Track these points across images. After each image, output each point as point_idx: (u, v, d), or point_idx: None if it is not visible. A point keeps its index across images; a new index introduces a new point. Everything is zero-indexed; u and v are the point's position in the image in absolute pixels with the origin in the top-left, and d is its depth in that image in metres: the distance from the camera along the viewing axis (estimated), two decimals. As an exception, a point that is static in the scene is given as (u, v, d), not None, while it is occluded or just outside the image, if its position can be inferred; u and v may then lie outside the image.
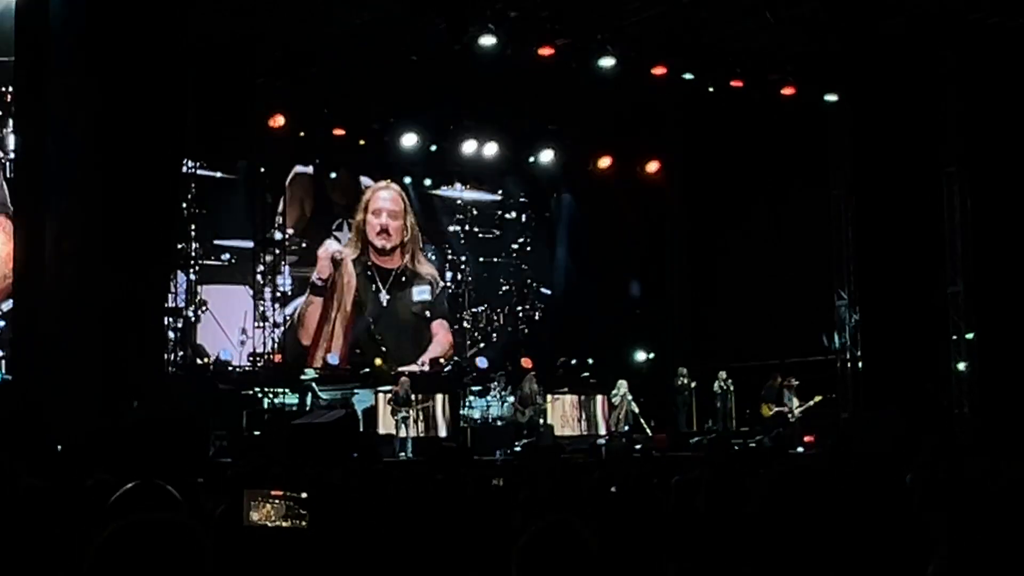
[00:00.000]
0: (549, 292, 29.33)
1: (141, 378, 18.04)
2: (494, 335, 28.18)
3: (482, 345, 28.06)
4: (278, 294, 25.03)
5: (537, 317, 29.14)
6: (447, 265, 28.36)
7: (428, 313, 27.72)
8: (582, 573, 3.21)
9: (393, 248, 27.32)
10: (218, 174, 24.67)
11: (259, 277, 24.72)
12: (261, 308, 24.38)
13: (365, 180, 27.23)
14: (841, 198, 25.57)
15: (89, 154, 17.42)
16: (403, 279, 27.44)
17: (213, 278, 24.68)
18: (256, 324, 23.99)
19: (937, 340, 24.05)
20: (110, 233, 17.22)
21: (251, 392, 22.70)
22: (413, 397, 22.80)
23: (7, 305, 20.70)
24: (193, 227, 23.64)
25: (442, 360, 26.96)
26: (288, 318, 25.48)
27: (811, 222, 26.85)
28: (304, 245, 26.59)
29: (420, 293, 27.60)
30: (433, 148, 26.77)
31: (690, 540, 6.11)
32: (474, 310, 28.20)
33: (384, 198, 27.17)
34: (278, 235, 25.39)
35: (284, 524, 2.68)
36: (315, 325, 26.32)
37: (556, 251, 29.52)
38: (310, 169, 26.54)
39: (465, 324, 28.06)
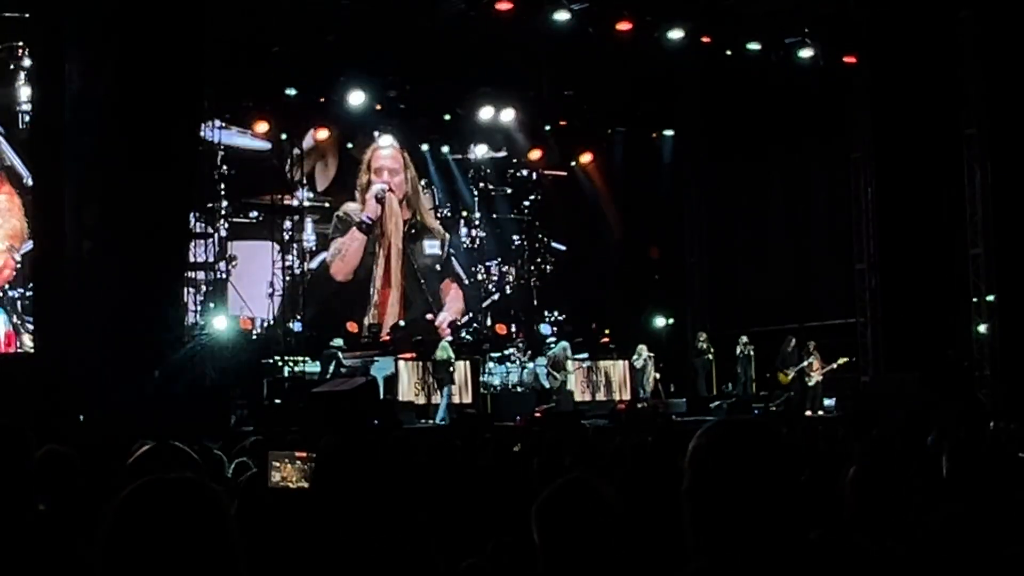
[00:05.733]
0: (564, 248, 29.43)
1: (162, 348, 18.13)
2: (507, 287, 28.31)
3: (496, 297, 28.21)
4: (305, 247, 25.83)
5: (548, 270, 29.19)
6: (461, 221, 28.62)
7: (439, 267, 28.13)
8: (602, 529, 3.20)
9: (399, 203, 27.66)
10: (247, 137, 25.12)
11: (285, 235, 25.45)
12: (288, 262, 25.09)
13: (384, 141, 27.47)
14: (860, 161, 25.44)
15: (106, 122, 17.44)
16: (413, 231, 27.89)
17: (242, 234, 25.31)
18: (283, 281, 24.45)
19: (958, 302, 23.96)
20: (129, 201, 17.27)
21: (271, 360, 22.79)
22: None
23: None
24: (223, 187, 24.22)
25: (458, 323, 27.13)
26: (309, 271, 26.11)
27: (830, 185, 26.77)
28: (327, 205, 27.13)
29: (431, 247, 28.07)
30: (448, 116, 26.77)
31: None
32: (487, 263, 28.37)
33: (384, 156, 27.49)
34: (301, 194, 25.70)
35: (306, 485, 2.69)
36: (357, 260, 27.04)
37: (573, 216, 29.58)
38: (329, 134, 26.68)
39: (479, 277, 28.28)
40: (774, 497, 2.66)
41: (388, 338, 25.70)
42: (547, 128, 28.11)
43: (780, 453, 2.72)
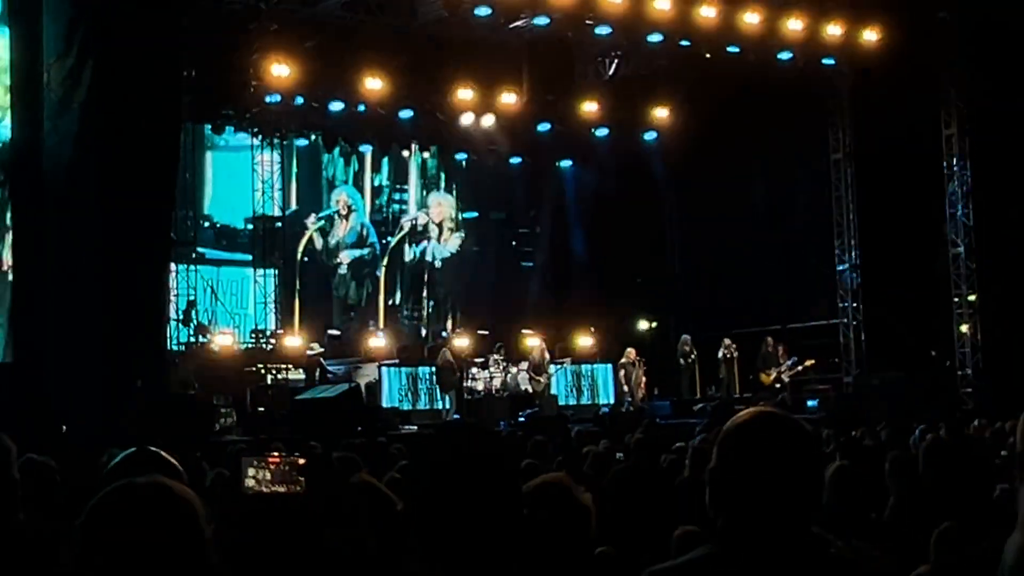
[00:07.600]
0: (531, 264, 29.82)
1: (143, 358, 18.08)
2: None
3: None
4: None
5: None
6: (444, 226, 29.02)
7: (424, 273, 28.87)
8: (577, 530, 3.22)
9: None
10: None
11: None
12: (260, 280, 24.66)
13: (364, 148, 27.82)
14: (841, 162, 25.52)
15: (85, 135, 17.41)
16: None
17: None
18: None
19: (939, 302, 24.04)
20: (109, 210, 17.23)
21: (254, 368, 22.68)
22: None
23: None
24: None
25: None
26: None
27: (811, 186, 26.81)
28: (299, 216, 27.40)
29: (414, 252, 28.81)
30: (432, 120, 26.71)
31: (690, 504, 6.12)
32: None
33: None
34: (275, 208, 25.27)
35: (280, 489, 2.69)
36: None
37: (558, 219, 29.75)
38: (308, 141, 26.77)
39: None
40: (792, 489, 2.75)
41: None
42: (528, 132, 28.07)
43: (807, 449, 2.82)
